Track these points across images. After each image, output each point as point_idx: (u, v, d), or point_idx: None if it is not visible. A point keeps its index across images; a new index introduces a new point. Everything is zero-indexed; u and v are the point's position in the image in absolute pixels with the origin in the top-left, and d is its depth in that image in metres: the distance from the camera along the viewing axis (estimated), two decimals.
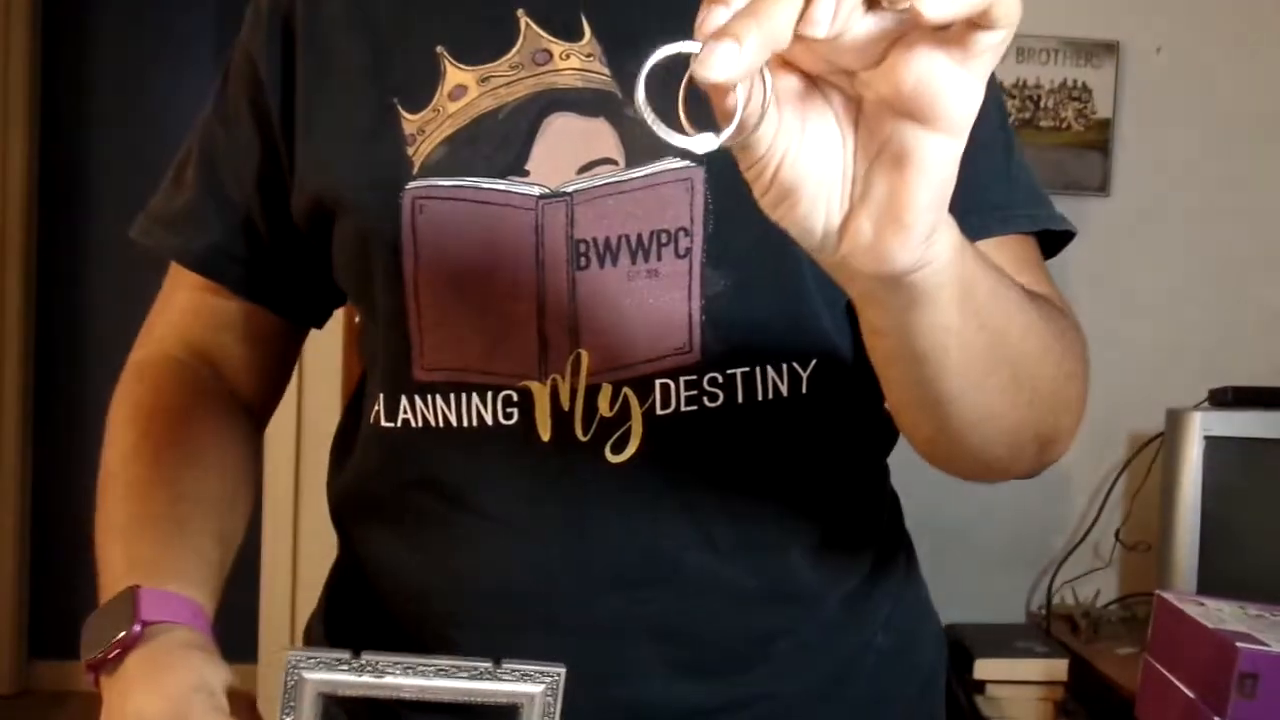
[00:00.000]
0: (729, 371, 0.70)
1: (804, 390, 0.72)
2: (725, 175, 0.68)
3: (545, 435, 0.71)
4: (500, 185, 0.70)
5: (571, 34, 0.71)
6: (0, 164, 3.28)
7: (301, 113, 0.76)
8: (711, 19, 0.39)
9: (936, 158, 0.43)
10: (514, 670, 0.61)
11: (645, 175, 0.69)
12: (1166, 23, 2.16)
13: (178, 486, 0.76)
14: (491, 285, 0.71)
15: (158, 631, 0.67)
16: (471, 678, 0.61)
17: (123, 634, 0.65)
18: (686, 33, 0.41)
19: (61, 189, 3.46)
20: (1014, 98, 2.15)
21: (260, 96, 0.79)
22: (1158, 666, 1.28)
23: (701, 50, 0.39)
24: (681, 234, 0.69)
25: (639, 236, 0.69)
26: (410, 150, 0.71)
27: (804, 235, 0.46)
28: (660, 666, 0.73)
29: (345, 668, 0.60)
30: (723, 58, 0.38)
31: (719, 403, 0.70)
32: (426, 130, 0.72)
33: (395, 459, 0.76)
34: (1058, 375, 0.65)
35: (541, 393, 0.71)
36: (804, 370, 0.72)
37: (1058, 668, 1.87)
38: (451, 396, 0.72)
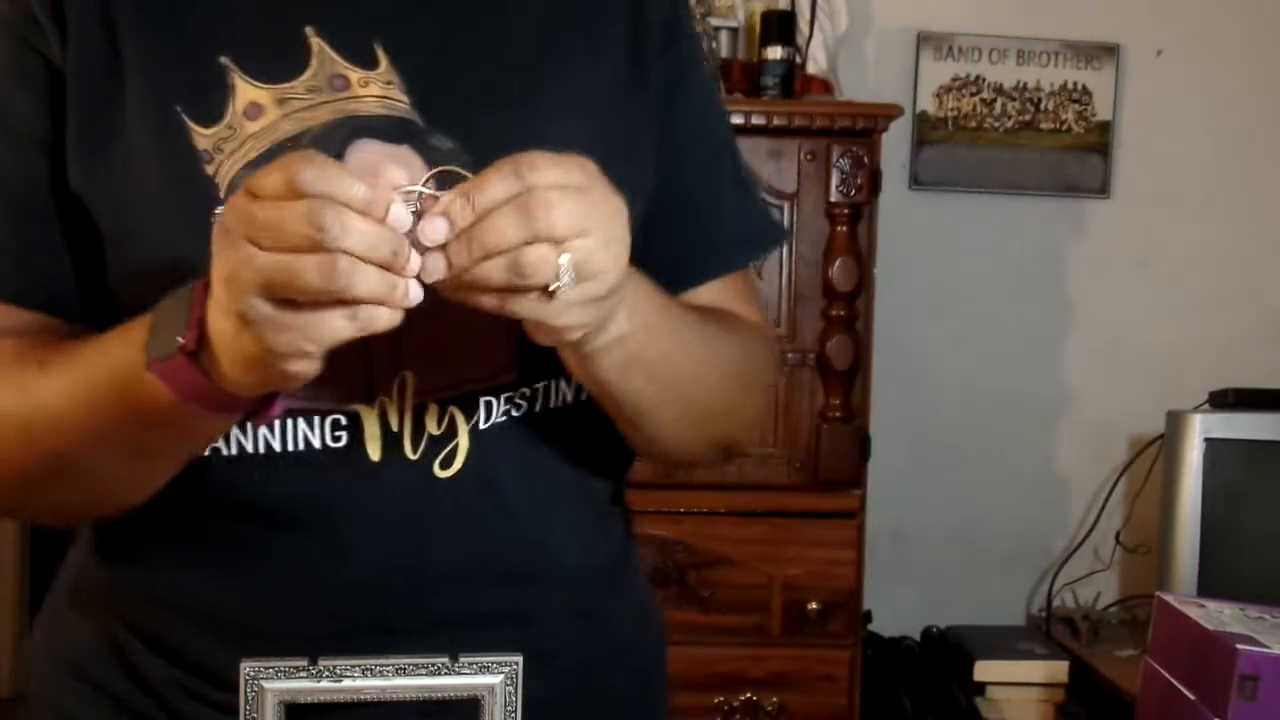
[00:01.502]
0: (535, 385, 0.75)
1: (584, 396, 0.75)
2: None
3: (375, 456, 0.72)
4: None
5: (367, 62, 0.71)
6: None
7: (74, 112, 0.71)
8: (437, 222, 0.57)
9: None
10: (472, 663, 0.61)
11: None
12: (1167, 26, 2.16)
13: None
14: None
15: None
16: (430, 674, 0.61)
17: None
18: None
19: None
20: (1014, 100, 2.15)
21: (54, 87, 0.72)
22: (1158, 668, 1.28)
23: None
24: None
25: None
26: (209, 169, 0.69)
27: None
28: (480, 638, 0.74)
29: (304, 674, 0.60)
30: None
31: (523, 411, 0.74)
32: (224, 149, 0.70)
33: (202, 487, 0.73)
34: (734, 399, 0.81)
35: (370, 415, 0.71)
36: None
37: (1058, 670, 1.87)
38: (275, 424, 0.71)
